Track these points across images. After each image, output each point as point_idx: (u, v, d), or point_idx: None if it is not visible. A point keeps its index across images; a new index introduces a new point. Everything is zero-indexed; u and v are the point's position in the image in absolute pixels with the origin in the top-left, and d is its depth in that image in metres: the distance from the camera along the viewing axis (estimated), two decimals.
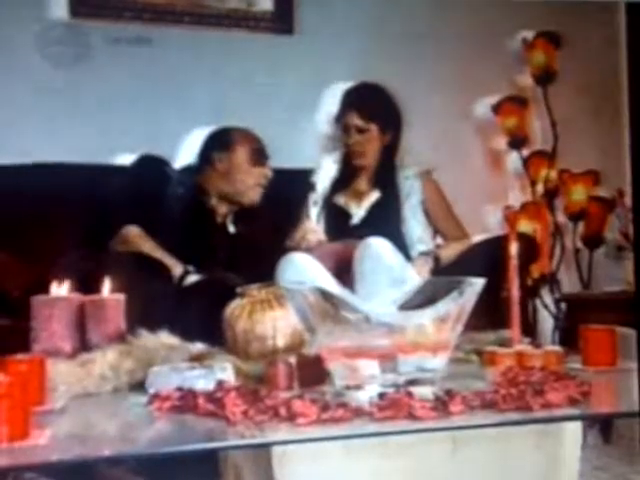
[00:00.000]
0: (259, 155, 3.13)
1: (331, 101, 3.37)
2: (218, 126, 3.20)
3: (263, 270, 2.58)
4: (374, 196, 3.25)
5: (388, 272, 2.68)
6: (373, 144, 3.22)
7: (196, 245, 2.98)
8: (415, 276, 2.77)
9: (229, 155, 3.11)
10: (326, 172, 3.30)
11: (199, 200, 3.11)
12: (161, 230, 2.92)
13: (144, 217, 2.93)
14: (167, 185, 3.08)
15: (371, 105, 3.24)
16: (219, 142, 3.14)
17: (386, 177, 3.25)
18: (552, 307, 3.86)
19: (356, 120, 3.21)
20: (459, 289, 1.66)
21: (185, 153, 3.24)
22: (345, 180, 3.28)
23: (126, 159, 3.20)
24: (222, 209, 3.15)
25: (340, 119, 3.26)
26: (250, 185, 3.12)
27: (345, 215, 3.25)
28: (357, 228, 3.16)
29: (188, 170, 3.19)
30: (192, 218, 3.05)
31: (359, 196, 3.26)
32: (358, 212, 3.24)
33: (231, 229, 3.17)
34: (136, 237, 2.90)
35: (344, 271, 2.74)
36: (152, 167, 3.14)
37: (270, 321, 2.04)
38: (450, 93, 3.84)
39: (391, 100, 3.26)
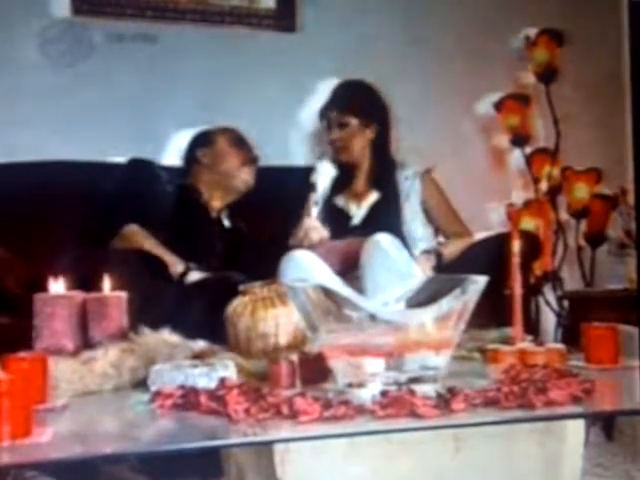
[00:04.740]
0: (239, 141, 3.19)
1: (317, 98, 3.39)
2: (223, 123, 3.23)
3: (265, 268, 2.58)
4: (373, 197, 3.24)
5: (396, 267, 2.68)
6: (356, 139, 3.23)
7: (193, 241, 3.00)
8: (419, 273, 2.77)
9: (211, 147, 3.17)
10: (325, 174, 3.29)
11: (192, 197, 3.14)
12: (158, 229, 2.93)
13: (141, 216, 2.94)
14: (161, 184, 3.11)
15: (350, 100, 3.26)
16: (201, 140, 3.21)
17: (383, 177, 3.25)
18: (555, 305, 3.86)
19: (335, 115, 3.23)
20: (462, 287, 1.65)
21: (181, 151, 3.27)
22: (344, 181, 3.27)
23: (129, 157, 3.21)
24: (216, 203, 3.18)
25: (323, 115, 3.28)
26: (237, 165, 3.16)
27: (345, 216, 3.24)
28: (357, 229, 3.15)
29: (180, 170, 3.23)
30: (187, 215, 3.09)
31: (358, 197, 3.26)
32: (358, 213, 3.24)
33: (226, 223, 3.20)
34: (137, 235, 2.91)
35: (346, 268, 2.74)
36: (145, 168, 3.17)
37: (272, 319, 2.04)
38: (452, 91, 3.84)
39: (374, 95, 3.28)
